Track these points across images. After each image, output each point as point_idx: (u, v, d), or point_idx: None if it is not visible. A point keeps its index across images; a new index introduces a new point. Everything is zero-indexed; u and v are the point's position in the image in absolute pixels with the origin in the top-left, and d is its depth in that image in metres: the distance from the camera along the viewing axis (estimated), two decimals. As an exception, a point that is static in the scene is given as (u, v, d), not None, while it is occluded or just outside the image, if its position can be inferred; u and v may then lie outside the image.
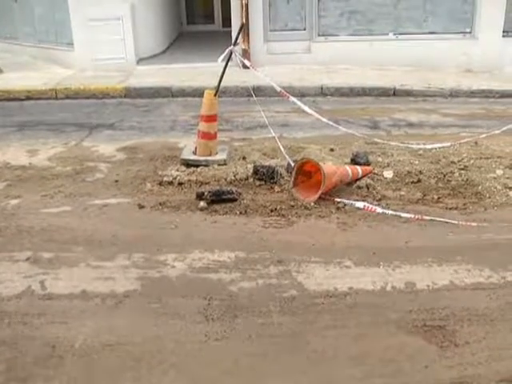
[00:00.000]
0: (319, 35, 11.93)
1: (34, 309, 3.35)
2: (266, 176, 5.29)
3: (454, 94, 9.74)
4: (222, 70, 5.90)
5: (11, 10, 13.69)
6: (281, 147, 5.90)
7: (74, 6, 11.32)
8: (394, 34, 11.88)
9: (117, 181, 5.49)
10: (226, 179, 5.36)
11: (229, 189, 4.97)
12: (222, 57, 6.05)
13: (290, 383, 2.80)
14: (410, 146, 6.24)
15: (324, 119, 6.10)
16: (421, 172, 5.53)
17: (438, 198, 5.03)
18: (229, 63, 5.89)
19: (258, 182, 5.28)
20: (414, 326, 3.19)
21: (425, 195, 5.08)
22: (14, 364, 2.89)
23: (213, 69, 8.95)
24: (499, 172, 5.54)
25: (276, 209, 4.74)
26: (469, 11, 11.81)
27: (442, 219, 4.55)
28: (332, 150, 6.32)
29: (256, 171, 5.35)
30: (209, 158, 5.83)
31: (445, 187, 5.25)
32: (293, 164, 5.30)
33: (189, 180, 5.36)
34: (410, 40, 11.63)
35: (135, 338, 3.09)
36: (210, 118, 5.88)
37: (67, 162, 6.10)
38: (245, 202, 4.88)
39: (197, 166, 5.72)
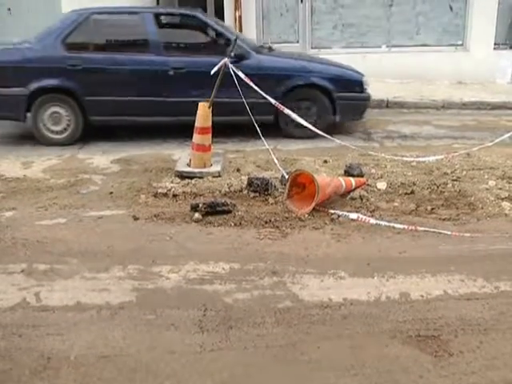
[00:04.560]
0: (312, 48, 12.04)
1: (29, 321, 3.34)
2: (260, 188, 5.31)
3: (447, 106, 9.83)
4: (216, 81, 5.94)
5: (4, 21, 13.71)
6: (275, 159, 5.93)
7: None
8: (387, 47, 12.01)
9: (111, 193, 5.50)
10: (220, 191, 5.38)
11: (223, 201, 4.98)
12: (215, 68, 6.09)
13: (286, 394, 2.81)
14: (403, 158, 6.27)
15: (318, 131, 6.14)
16: (414, 183, 5.57)
17: (432, 208, 5.05)
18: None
19: (252, 194, 5.30)
20: (409, 336, 3.20)
21: (418, 206, 5.11)
22: (9, 376, 2.88)
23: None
24: (492, 183, 5.58)
25: (270, 220, 4.76)
26: (460, 24, 11.94)
27: (435, 230, 4.58)
28: (326, 161, 6.36)
29: (250, 183, 5.37)
30: (203, 169, 5.85)
31: (438, 198, 5.28)
32: (287, 176, 5.33)
33: (183, 192, 5.38)
34: (402, 52, 11.75)
35: (130, 349, 3.09)
36: (204, 130, 5.92)
37: (62, 174, 6.11)
38: (239, 213, 4.89)
39: (191, 177, 5.74)
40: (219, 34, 7.85)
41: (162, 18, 7.97)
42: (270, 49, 8.11)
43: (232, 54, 6.13)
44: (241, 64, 7.19)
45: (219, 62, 6.52)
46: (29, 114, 7.52)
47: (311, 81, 7.67)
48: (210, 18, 8.18)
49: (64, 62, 7.33)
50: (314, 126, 6.45)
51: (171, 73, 7.32)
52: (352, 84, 7.92)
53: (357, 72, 8.07)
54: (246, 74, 6.39)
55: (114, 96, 7.08)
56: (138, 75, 7.47)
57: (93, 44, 7.70)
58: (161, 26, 7.84)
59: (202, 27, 8.04)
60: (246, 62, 7.44)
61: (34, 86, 7.33)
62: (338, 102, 7.71)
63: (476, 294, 3.66)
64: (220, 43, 7.81)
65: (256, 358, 3.02)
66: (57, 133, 7.51)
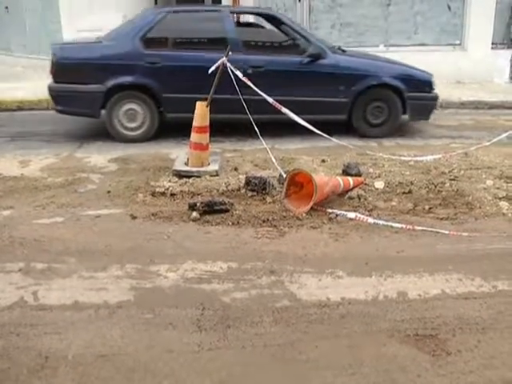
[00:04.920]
0: (310, 47, 12.00)
1: (27, 320, 3.34)
2: (258, 187, 5.31)
3: (445, 105, 9.84)
4: (214, 81, 5.94)
5: (3, 21, 13.71)
6: (272, 158, 5.93)
7: (66, 17, 11.37)
8: (385, 46, 12.01)
9: (109, 191, 5.49)
10: (218, 190, 5.38)
11: (221, 200, 4.98)
12: (213, 68, 6.09)
13: (284, 393, 2.81)
14: (401, 157, 6.28)
15: (315, 130, 6.14)
16: (412, 182, 5.57)
17: (429, 208, 5.06)
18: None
19: (250, 193, 5.30)
20: (406, 335, 3.21)
21: (416, 205, 5.12)
22: (7, 375, 2.87)
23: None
24: (489, 182, 5.59)
25: (268, 219, 4.76)
26: (458, 23, 11.96)
27: (433, 229, 4.58)
28: (324, 161, 6.36)
29: (248, 182, 5.37)
30: (201, 168, 5.85)
31: (436, 197, 5.29)
32: (285, 175, 5.33)
33: (181, 191, 5.37)
34: (400, 52, 11.72)
35: (128, 348, 3.08)
36: (202, 129, 5.92)
37: (59, 173, 6.10)
38: (237, 212, 4.89)
39: (189, 176, 5.74)
40: (296, 33, 7.90)
41: (240, 16, 8.00)
42: (341, 49, 8.20)
43: (230, 53, 6.10)
44: (318, 63, 7.45)
45: (296, 61, 7.09)
46: (103, 111, 7.56)
47: (384, 81, 7.76)
48: (285, 17, 8.24)
49: (142, 59, 7.37)
50: (385, 125, 6.62)
51: (249, 71, 7.33)
52: (422, 84, 8.02)
53: (426, 72, 8.17)
54: (323, 73, 6.97)
55: (191, 93, 6.98)
56: (216, 73, 7.48)
57: (171, 42, 7.74)
58: (238, 24, 7.91)
59: (279, 26, 8.12)
60: (323, 62, 7.58)
61: (111, 82, 7.36)
62: (408, 101, 7.82)
63: (474, 293, 3.66)
64: (296, 42, 7.90)
65: (254, 357, 3.02)
66: (132, 129, 7.55)
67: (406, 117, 7.99)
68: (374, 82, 7.71)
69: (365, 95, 7.69)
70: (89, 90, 7.43)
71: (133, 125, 7.54)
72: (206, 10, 8.25)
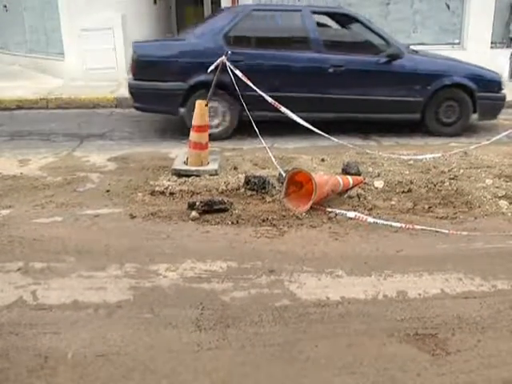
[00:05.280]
0: (310, 46, 11.98)
1: (26, 319, 3.33)
2: (257, 186, 5.30)
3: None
4: (213, 79, 5.94)
5: (1, 19, 13.69)
6: (272, 157, 5.92)
7: (65, 15, 11.36)
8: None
9: (108, 191, 5.49)
10: (217, 189, 5.37)
11: (220, 199, 4.97)
12: (212, 67, 6.09)
13: (283, 392, 2.81)
14: (401, 156, 6.27)
15: (315, 129, 6.14)
16: (411, 182, 5.57)
17: (429, 207, 5.06)
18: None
19: (249, 192, 5.30)
20: (406, 334, 3.21)
21: (415, 205, 5.12)
22: (6, 375, 2.87)
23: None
24: (489, 181, 5.59)
25: (267, 219, 4.75)
26: (457, 23, 11.95)
27: (432, 228, 4.58)
28: (323, 160, 6.36)
29: (247, 181, 5.37)
30: (200, 168, 5.84)
31: (435, 197, 5.29)
32: (284, 174, 5.33)
33: (180, 190, 5.37)
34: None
35: (128, 348, 3.08)
36: (202, 128, 5.91)
37: (58, 172, 6.09)
38: (236, 212, 4.89)
39: (188, 176, 5.73)
40: (374, 34, 7.96)
41: (320, 15, 8.05)
42: (413, 50, 8.28)
43: (230, 54, 6.10)
44: (395, 63, 7.59)
45: (373, 60, 7.30)
46: (182, 109, 7.59)
47: (457, 81, 7.84)
48: (363, 18, 8.30)
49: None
50: (456, 124, 7.22)
51: (331, 70, 7.44)
52: (492, 84, 8.13)
53: (494, 72, 8.30)
54: (400, 73, 7.29)
55: (273, 91, 7.00)
56: (298, 72, 7.62)
57: (253, 40, 7.83)
58: (319, 23, 7.97)
59: (359, 26, 8.17)
60: (400, 62, 7.70)
61: (193, 80, 7.40)
62: (478, 101, 7.93)
63: (473, 292, 3.66)
64: (373, 43, 7.97)
65: (253, 357, 3.02)
66: (211, 127, 7.39)
67: (475, 116, 8.12)
68: (448, 82, 7.80)
69: (438, 95, 7.81)
70: (169, 87, 7.51)
71: (213, 122, 7.48)
72: (286, 10, 8.38)
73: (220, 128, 7.63)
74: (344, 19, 8.36)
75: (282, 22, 7.96)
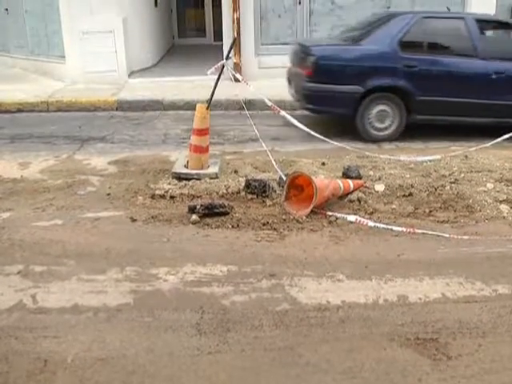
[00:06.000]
0: (310, 49, 12.00)
1: (26, 323, 3.33)
2: (257, 190, 5.30)
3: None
4: (214, 83, 5.93)
5: (3, 22, 13.70)
6: (272, 161, 5.92)
7: (65, 18, 11.36)
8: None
9: (109, 194, 5.48)
10: (217, 193, 5.36)
11: (221, 202, 4.97)
12: (212, 69, 6.10)
13: (284, 397, 2.80)
14: (401, 159, 6.27)
15: (314, 133, 6.13)
16: (412, 185, 5.56)
17: (430, 211, 5.05)
18: (220, 77, 5.92)
19: (249, 196, 5.29)
20: (407, 338, 3.20)
21: (416, 208, 5.11)
22: (5, 379, 2.86)
23: (204, 82, 9.02)
24: (489, 185, 5.58)
25: (268, 222, 4.74)
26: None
27: (433, 232, 4.58)
28: (323, 163, 6.35)
29: (248, 185, 5.36)
30: (200, 171, 5.83)
31: (436, 200, 5.28)
32: (285, 178, 5.32)
33: (181, 193, 5.36)
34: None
35: (128, 351, 3.07)
36: (202, 132, 5.90)
37: (59, 175, 6.08)
38: (237, 215, 4.88)
39: (189, 179, 5.72)
40: None
41: (482, 23, 8.19)
42: None
43: (230, 56, 6.10)
44: None
45: None
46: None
47: None
48: None
49: (400, 62, 7.57)
50: None
51: (493, 76, 7.61)
52: None
53: None
54: None
55: (441, 97, 7.34)
56: (464, 77, 7.75)
57: (424, 46, 7.95)
58: (481, 31, 8.10)
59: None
60: None
61: (370, 84, 7.57)
62: None
63: (474, 296, 3.65)
64: None
65: (254, 361, 3.01)
66: (380, 130, 7.75)
67: None
68: None
69: None
70: (346, 90, 7.64)
71: (382, 125, 7.72)
72: (451, 17, 8.50)
73: (388, 130, 7.78)
74: (502, 26, 8.63)
75: (448, 29, 8.09)
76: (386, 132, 7.77)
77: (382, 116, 7.68)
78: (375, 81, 7.57)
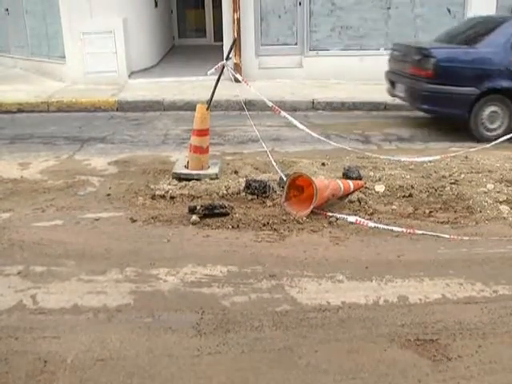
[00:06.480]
0: (310, 50, 12.04)
1: (26, 323, 3.33)
2: (258, 190, 5.30)
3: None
4: (214, 84, 5.93)
5: (3, 22, 13.71)
6: (273, 161, 5.91)
7: (66, 19, 11.37)
8: (385, 49, 11.95)
9: (109, 194, 5.48)
10: (218, 193, 5.36)
11: (221, 203, 4.97)
12: (212, 70, 6.10)
13: (284, 398, 2.80)
14: (401, 160, 6.27)
15: (315, 134, 6.13)
16: (412, 186, 5.56)
17: (430, 212, 5.05)
18: (221, 77, 5.92)
19: (250, 197, 5.29)
20: (407, 339, 3.20)
21: (416, 209, 5.11)
22: (5, 379, 2.86)
23: (205, 82, 9.04)
24: (490, 186, 5.57)
25: (268, 223, 4.74)
26: (459, 27, 11.89)
27: (433, 233, 4.57)
28: (324, 164, 6.35)
29: (248, 185, 5.36)
30: (201, 172, 5.83)
31: (436, 201, 5.28)
32: (285, 178, 5.32)
33: (181, 194, 5.36)
34: (400, 55, 11.72)
35: (128, 352, 3.07)
36: (202, 132, 5.90)
37: (59, 176, 6.09)
38: (237, 216, 4.88)
39: (189, 179, 5.72)
40: None
41: None
42: None
43: (231, 56, 6.10)
44: None
45: None
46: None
47: None
48: None
49: None
50: None
51: None
52: None
53: None
54: None
55: None
56: None
57: None
58: None
59: None
60: None
61: (485, 86, 7.82)
62: None
63: (474, 297, 3.65)
64: None
65: (253, 362, 3.01)
66: (491, 130, 7.96)
67: None
68: None
69: None
70: (463, 92, 7.86)
71: (493, 126, 7.97)
72: None
73: (498, 131, 7.87)
74: None
75: None
76: (496, 132, 7.86)
77: (492, 117, 7.92)
78: (490, 83, 7.80)
